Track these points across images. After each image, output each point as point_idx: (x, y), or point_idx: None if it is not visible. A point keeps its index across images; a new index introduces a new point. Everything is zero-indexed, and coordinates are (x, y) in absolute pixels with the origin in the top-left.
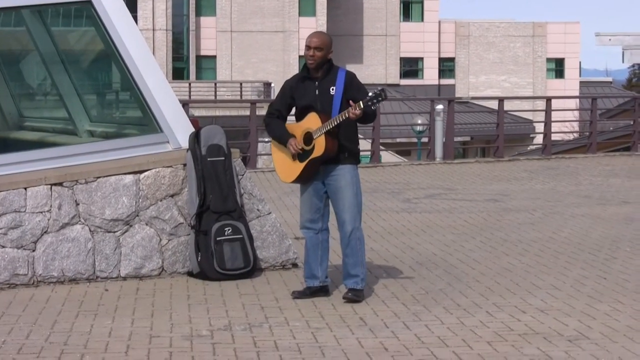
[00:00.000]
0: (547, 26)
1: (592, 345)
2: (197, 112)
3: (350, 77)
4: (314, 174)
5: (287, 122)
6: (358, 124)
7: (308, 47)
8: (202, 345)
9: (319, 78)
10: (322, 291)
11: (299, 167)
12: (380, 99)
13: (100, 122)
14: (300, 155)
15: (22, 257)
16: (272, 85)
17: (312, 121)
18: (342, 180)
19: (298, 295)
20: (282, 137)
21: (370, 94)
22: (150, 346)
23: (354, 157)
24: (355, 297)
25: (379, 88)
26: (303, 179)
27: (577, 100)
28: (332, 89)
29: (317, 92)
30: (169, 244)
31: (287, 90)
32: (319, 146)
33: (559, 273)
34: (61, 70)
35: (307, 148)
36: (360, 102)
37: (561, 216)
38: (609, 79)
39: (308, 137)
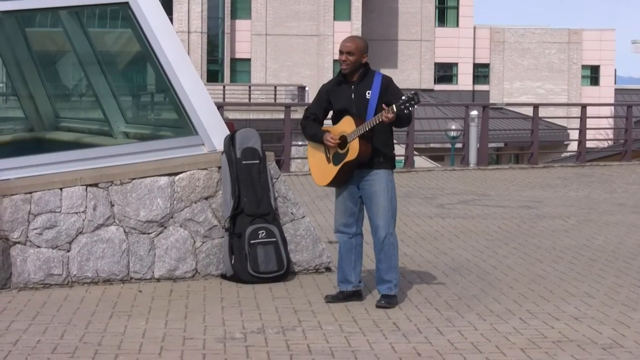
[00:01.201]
0: (582, 33)
1: (626, 354)
2: (230, 115)
3: (387, 82)
4: (349, 178)
5: (324, 126)
6: (393, 129)
7: (341, 52)
8: (236, 347)
9: (355, 82)
10: (355, 296)
11: (333, 170)
12: (413, 102)
13: (135, 123)
14: (334, 159)
15: (56, 257)
16: (307, 89)
17: (347, 125)
18: (377, 185)
19: (331, 299)
20: (317, 135)
21: (403, 97)
22: (183, 348)
23: (389, 162)
24: (387, 304)
25: (412, 92)
26: (337, 183)
27: (612, 107)
28: (368, 93)
29: (352, 96)
30: (203, 246)
31: (324, 94)
32: (353, 150)
33: (593, 281)
34: (97, 72)
35: (341, 151)
36: (394, 106)
37: (595, 224)
38: None
39: (342, 141)
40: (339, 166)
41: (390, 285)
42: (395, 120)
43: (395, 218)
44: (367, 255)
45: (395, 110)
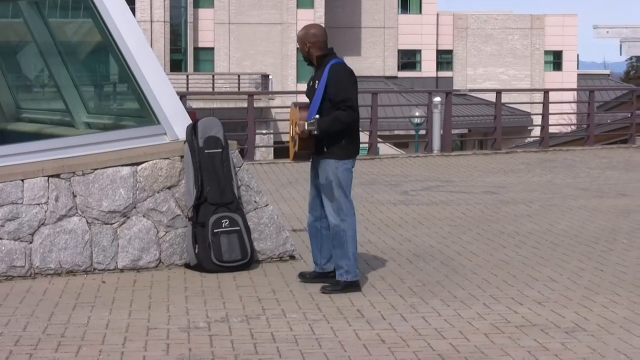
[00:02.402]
0: (545, 18)
1: (588, 337)
2: (194, 104)
3: (332, 72)
4: (306, 159)
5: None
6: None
7: None
8: (199, 337)
9: (317, 70)
10: (321, 277)
11: (292, 152)
12: (314, 127)
13: (97, 113)
14: (293, 141)
15: (19, 249)
16: (270, 77)
17: (293, 113)
18: (323, 173)
19: (302, 279)
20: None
21: (312, 119)
22: (147, 338)
23: (340, 152)
24: (331, 288)
25: (316, 116)
26: (298, 161)
27: (575, 92)
28: (317, 83)
29: (311, 84)
30: (167, 235)
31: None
32: (298, 142)
33: (556, 265)
34: (58, 62)
35: (296, 136)
36: (305, 123)
37: (558, 208)
38: (607, 71)
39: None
40: (293, 152)
41: (342, 271)
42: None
43: (346, 207)
44: None
45: (306, 128)
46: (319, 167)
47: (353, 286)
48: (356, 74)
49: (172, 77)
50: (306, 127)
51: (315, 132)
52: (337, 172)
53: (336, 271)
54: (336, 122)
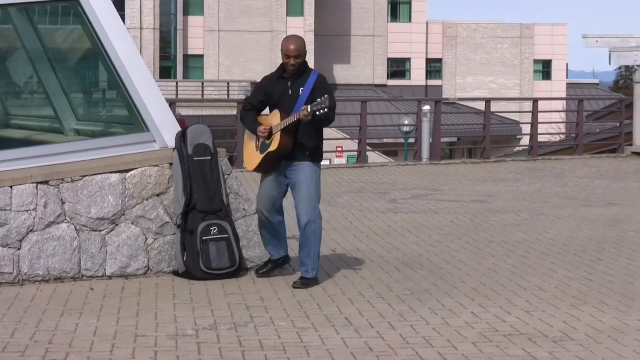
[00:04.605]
0: (534, 28)
1: (576, 347)
2: (184, 112)
3: (320, 81)
4: (273, 167)
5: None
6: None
7: (288, 56)
8: (188, 344)
9: (293, 78)
10: (277, 266)
11: (258, 158)
12: (323, 105)
13: (86, 120)
14: (261, 148)
15: (7, 256)
16: None
17: (274, 118)
18: (302, 174)
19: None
20: (253, 128)
21: (319, 99)
22: (135, 345)
23: (315, 155)
24: (302, 285)
25: (325, 96)
26: (262, 170)
27: (564, 102)
28: (301, 90)
29: (289, 92)
30: (155, 243)
31: (262, 86)
32: (275, 142)
33: (544, 274)
34: (48, 69)
35: (267, 142)
36: (308, 107)
37: (547, 218)
38: (596, 81)
39: (270, 132)
40: (263, 155)
41: (307, 269)
42: (313, 120)
43: (318, 209)
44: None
45: (309, 110)
46: (295, 169)
47: (316, 281)
48: (345, 82)
49: (161, 85)
50: (309, 109)
51: (325, 109)
52: (314, 174)
53: (301, 267)
54: (334, 109)
